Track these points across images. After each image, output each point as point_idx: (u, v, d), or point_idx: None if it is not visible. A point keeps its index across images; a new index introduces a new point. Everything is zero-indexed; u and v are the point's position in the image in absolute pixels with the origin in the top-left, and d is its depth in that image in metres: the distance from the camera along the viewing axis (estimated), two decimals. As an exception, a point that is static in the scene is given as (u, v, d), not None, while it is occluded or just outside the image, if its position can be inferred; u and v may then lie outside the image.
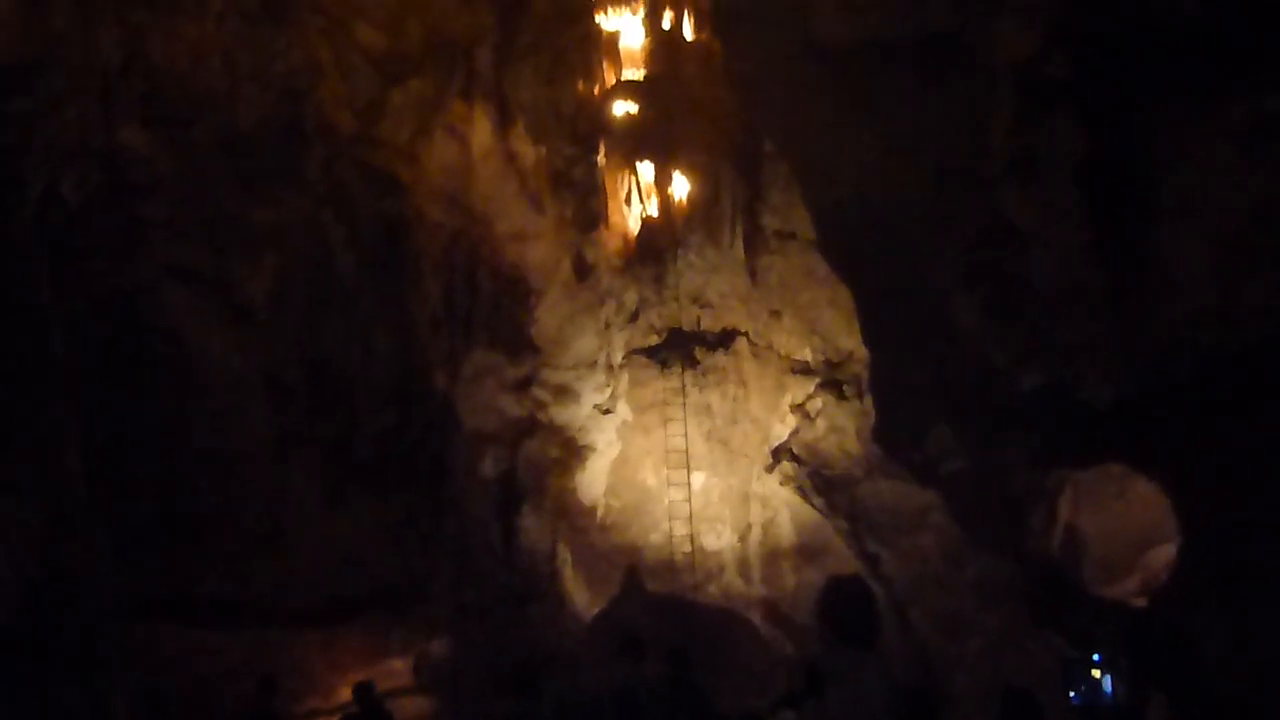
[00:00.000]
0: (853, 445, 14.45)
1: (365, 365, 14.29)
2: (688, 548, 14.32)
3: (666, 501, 14.54)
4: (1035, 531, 11.78)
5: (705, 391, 14.85)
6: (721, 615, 13.43)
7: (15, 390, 11.63)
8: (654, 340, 15.03)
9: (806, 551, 14.63)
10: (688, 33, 16.10)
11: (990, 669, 11.50)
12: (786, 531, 14.77)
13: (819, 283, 14.57)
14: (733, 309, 15.10)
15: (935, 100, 10.31)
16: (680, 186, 15.44)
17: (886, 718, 4.58)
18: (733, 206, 15.23)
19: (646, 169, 15.58)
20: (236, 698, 11.53)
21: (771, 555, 14.70)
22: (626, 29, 16.24)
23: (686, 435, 14.55)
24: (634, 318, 15.12)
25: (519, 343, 14.96)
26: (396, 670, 13.75)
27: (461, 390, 14.70)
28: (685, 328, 14.88)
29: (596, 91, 15.78)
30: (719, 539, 14.72)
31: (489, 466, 14.64)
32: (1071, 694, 4.73)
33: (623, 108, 15.64)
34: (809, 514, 14.57)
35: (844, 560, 14.01)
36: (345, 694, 11.78)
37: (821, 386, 14.70)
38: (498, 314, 15.02)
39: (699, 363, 14.86)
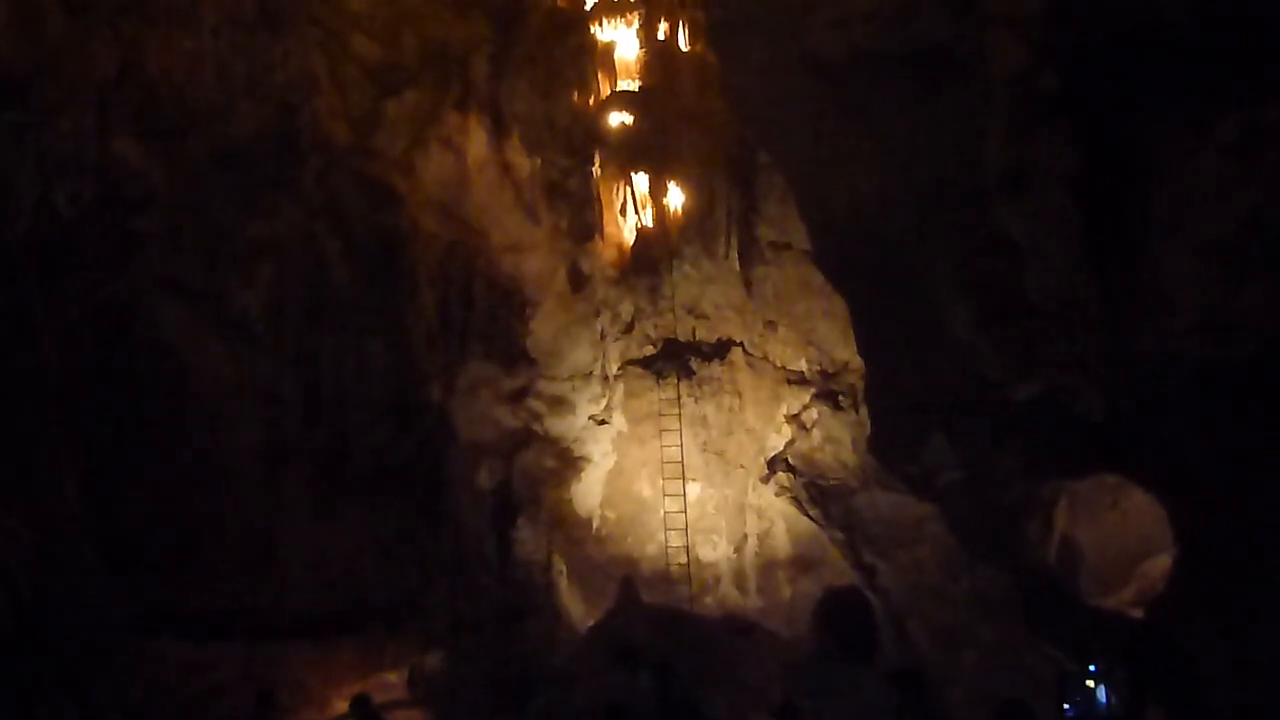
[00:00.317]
0: (848, 456, 14.45)
1: (360, 377, 14.25)
2: (683, 559, 14.29)
3: (662, 513, 14.52)
4: (1031, 542, 11.77)
5: (701, 402, 14.85)
6: (718, 627, 13.40)
7: (7, 403, 11.59)
8: (649, 351, 15.04)
9: (802, 562, 14.62)
10: (683, 44, 16.15)
11: (987, 680, 11.49)
12: (782, 542, 14.75)
13: (814, 294, 14.59)
14: (728, 320, 15.11)
15: (929, 113, 10.34)
16: (675, 197, 15.47)
17: None
18: (728, 217, 15.26)
19: (641, 180, 15.61)
20: (231, 712, 11.49)
21: (767, 566, 14.68)
22: (621, 40, 16.29)
23: (682, 446, 14.54)
24: (629, 329, 15.13)
25: (514, 354, 14.95)
26: (391, 684, 13.68)
27: (457, 402, 14.69)
28: (681, 338, 14.90)
29: (592, 103, 15.81)
30: (715, 550, 14.70)
31: (484, 478, 14.62)
32: (1066, 706, 4.73)
33: (618, 119, 15.67)
34: (805, 525, 14.55)
35: (840, 571, 14.00)
36: (340, 707, 11.75)
37: (817, 397, 14.71)
38: (493, 325, 15.01)
39: (694, 373, 14.86)
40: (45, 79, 12.65)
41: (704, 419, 14.84)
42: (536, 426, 14.94)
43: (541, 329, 15.04)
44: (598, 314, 15.15)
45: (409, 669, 13.69)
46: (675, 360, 14.88)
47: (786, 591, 14.46)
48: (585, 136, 15.50)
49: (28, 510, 11.57)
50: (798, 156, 12.81)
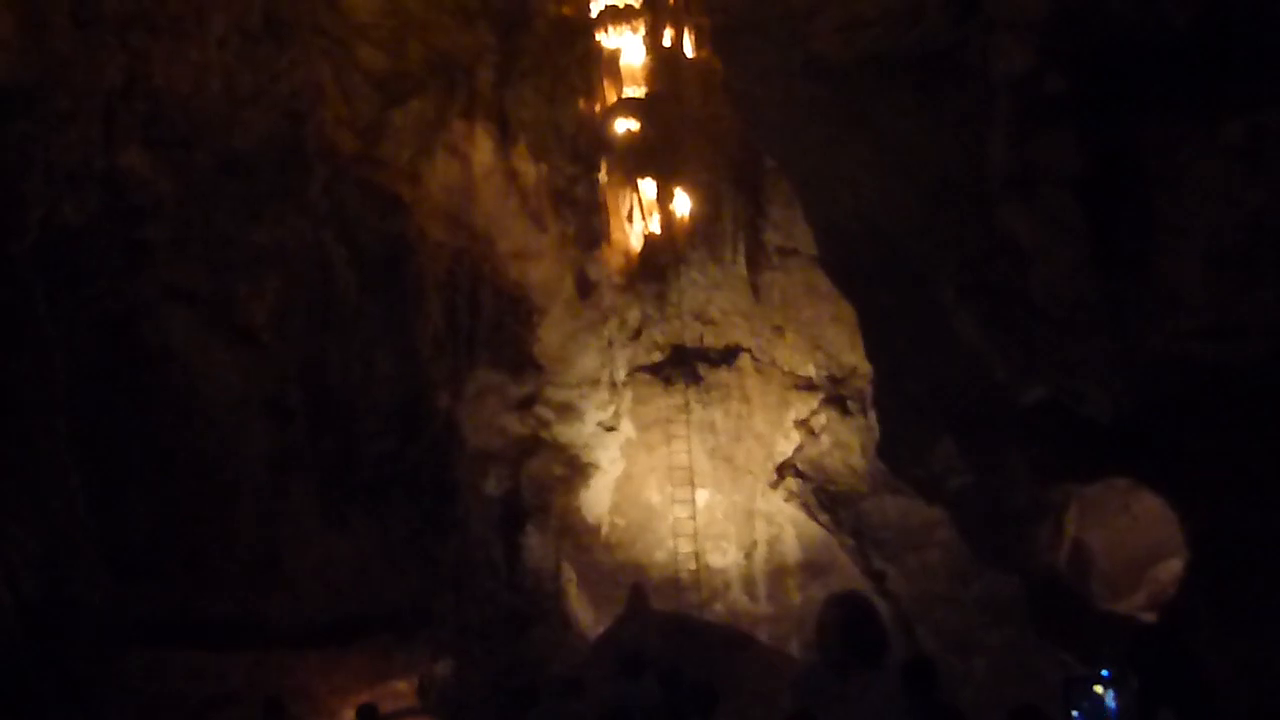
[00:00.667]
0: (857, 461, 14.42)
1: (367, 385, 14.27)
2: (693, 565, 14.29)
3: (671, 519, 14.53)
4: (1041, 546, 11.68)
5: (709, 408, 14.85)
6: (727, 633, 13.37)
7: (15, 412, 11.61)
8: (657, 357, 15.06)
9: (812, 568, 14.60)
10: (688, 50, 16.18)
11: (997, 685, 11.43)
12: (792, 548, 14.74)
13: (821, 298, 14.57)
14: (735, 325, 15.11)
15: (934, 116, 10.27)
16: (682, 203, 15.49)
17: None
18: (734, 223, 15.27)
19: (648, 186, 15.64)
20: (239, 720, 11.51)
21: (777, 572, 14.67)
22: (627, 47, 16.32)
23: (690, 452, 14.54)
24: (637, 335, 15.14)
25: (522, 361, 14.96)
26: (400, 692, 13.70)
27: (464, 409, 14.70)
28: (688, 344, 14.91)
29: (598, 109, 15.84)
30: (724, 556, 14.69)
31: (492, 485, 14.63)
32: (1075, 713, 4.69)
33: (624, 125, 15.70)
34: (814, 530, 14.53)
35: (850, 576, 13.96)
36: (348, 716, 11.73)
37: (825, 402, 14.69)
38: (500, 333, 15.03)
39: (702, 379, 14.87)
40: (53, 90, 12.69)
41: (712, 425, 14.84)
42: (544, 433, 14.95)
43: (549, 336, 15.06)
44: (605, 321, 15.16)
45: (418, 677, 13.70)
46: (683, 366, 14.90)
47: (796, 597, 14.45)
48: (591, 143, 15.53)
49: (36, 518, 11.59)
50: (803, 161, 12.75)
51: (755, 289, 15.20)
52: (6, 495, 11.37)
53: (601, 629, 13.70)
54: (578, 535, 14.86)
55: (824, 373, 14.82)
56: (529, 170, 15.32)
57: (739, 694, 11.36)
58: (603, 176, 15.52)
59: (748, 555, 14.86)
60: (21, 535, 11.20)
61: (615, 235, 15.50)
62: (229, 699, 12.35)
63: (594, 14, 16.34)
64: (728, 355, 15.07)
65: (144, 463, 12.78)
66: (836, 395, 14.72)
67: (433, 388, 14.52)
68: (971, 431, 11.26)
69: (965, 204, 9.94)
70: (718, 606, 14.41)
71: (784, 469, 14.72)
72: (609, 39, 16.31)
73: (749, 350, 15.12)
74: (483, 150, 15.29)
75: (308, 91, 14.36)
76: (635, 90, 16.09)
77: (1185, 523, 9.40)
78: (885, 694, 4.65)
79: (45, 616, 11.26)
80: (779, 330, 15.06)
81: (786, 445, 14.80)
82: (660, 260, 15.30)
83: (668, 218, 15.50)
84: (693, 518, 14.41)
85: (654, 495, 14.98)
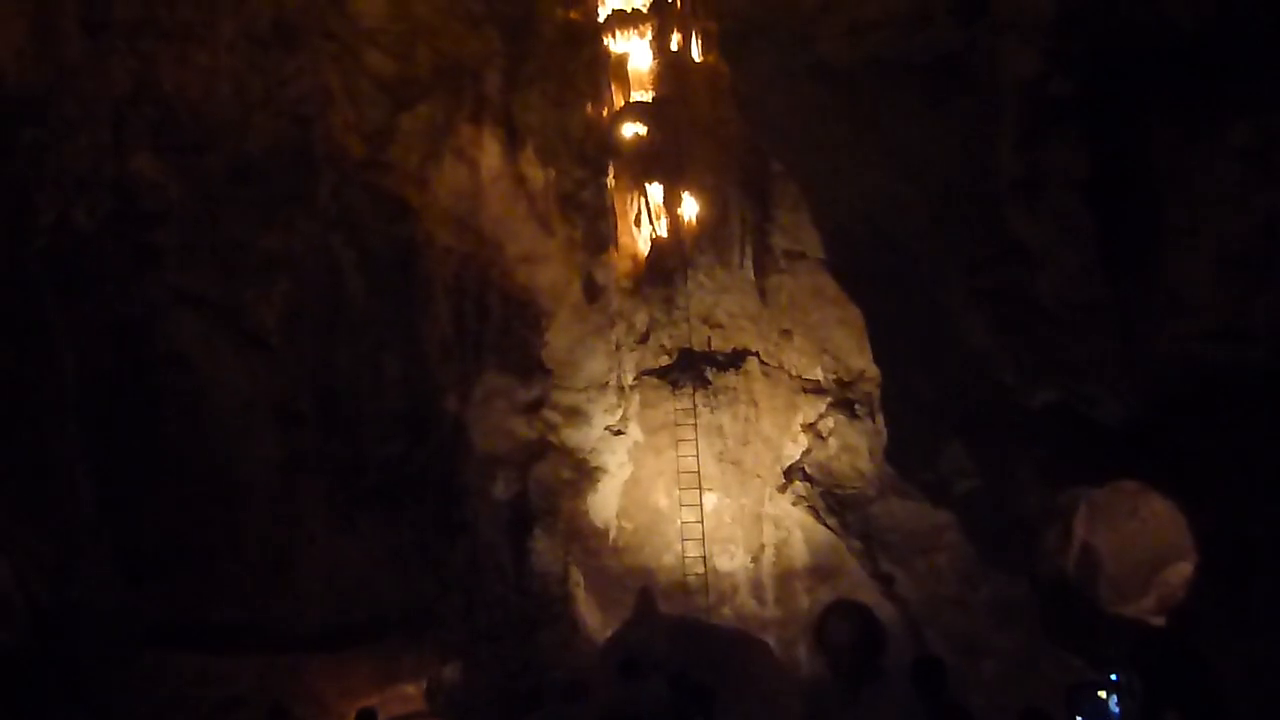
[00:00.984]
0: (865, 464, 14.41)
1: (375, 389, 14.29)
2: (700, 569, 14.29)
3: (679, 523, 14.53)
4: (1050, 550, 11.65)
5: (716, 412, 14.86)
6: (735, 637, 13.37)
7: (26, 417, 11.68)
8: (665, 361, 15.08)
9: (820, 572, 14.58)
10: (695, 54, 16.19)
11: (1005, 688, 11.40)
12: (800, 552, 14.73)
13: (829, 302, 14.56)
14: (743, 329, 15.12)
15: (941, 120, 10.27)
16: (689, 207, 15.51)
17: None
18: (742, 227, 15.28)
19: (656, 190, 15.66)
20: (247, 724, 11.54)
21: (785, 576, 14.66)
22: (634, 51, 16.35)
23: (698, 456, 14.54)
24: (644, 339, 15.16)
25: (530, 365, 14.98)
26: (408, 695, 13.71)
27: (472, 413, 14.72)
28: (696, 348, 14.92)
29: (605, 114, 15.87)
30: (732, 560, 14.69)
31: (500, 489, 14.64)
32: (1077, 718, 4.67)
33: (631, 129, 15.72)
34: (822, 534, 14.52)
35: (858, 580, 13.96)
36: (356, 720, 11.74)
37: (833, 406, 14.68)
38: (508, 337, 15.04)
39: (710, 383, 14.88)
40: (63, 96, 12.77)
41: (720, 429, 14.85)
42: (552, 437, 14.96)
43: (556, 340, 15.07)
44: (613, 325, 15.18)
45: (427, 680, 13.71)
46: (691, 370, 14.91)
47: (804, 601, 14.43)
48: (599, 148, 15.55)
49: (46, 522, 11.65)
50: (811, 165, 12.76)
51: (763, 293, 15.21)
52: (16, 498, 11.43)
53: (609, 632, 13.70)
54: (585, 539, 14.87)
55: (831, 376, 14.82)
56: (536, 175, 15.34)
57: (747, 697, 11.37)
58: (610, 181, 15.54)
59: (755, 559, 14.86)
60: (31, 538, 11.27)
61: (623, 239, 15.52)
62: (238, 702, 12.37)
63: (601, 19, 16.37)
64: (735, 359, 15.07)
65: (153, 466, 12.82)
66: (844, 399, 14.71)
67: (441, 391, 14.54)
68: (979, 435, 11.26)
69: (972, 207, 9.94)
70: (725, 610, 14.40)
71: (792, 472, 14.72)
72: (616, 43, 16.34)
73: (756, 354, 15.13)
74: (490, 155, 15.32)
75: (316, 96, 14.41)
76: (642, 95, 16.11)
77: (1194, 526, 9.38)
78: (895, 699, 4.65)
79: (55, 619, 11.32)
80: (786, 334, 15.06)
81: (794, 449, 14.80)
82: (668, 264, 15.32)
83: (675, 222, 15.52)
84: (700, 521, 14.41)
85: (662, 499, 14.99)
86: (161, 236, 13.40)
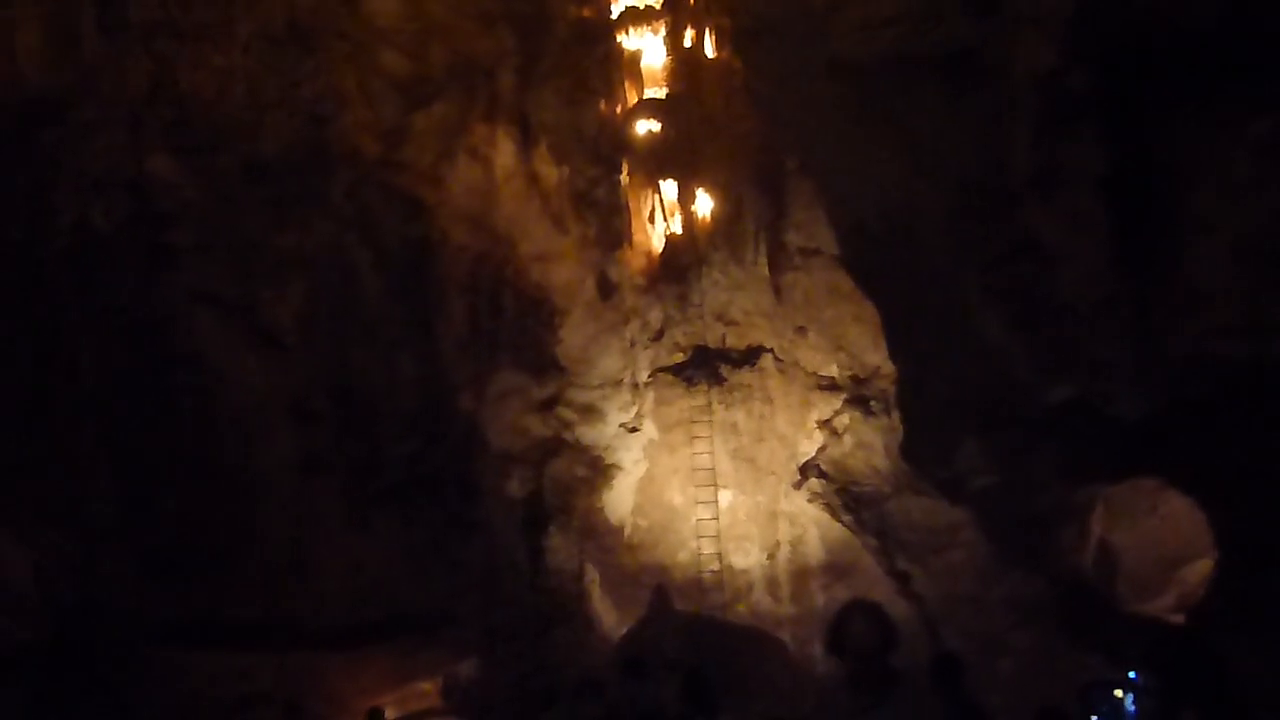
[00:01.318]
0: (881, 461, 14.34)
1: (390, 388, 14.32)
2: (716, 566, 14.26)
3: (694, 520, 14.50)
4: (1067, 548, 11.61)
5: (731, 409, 14.81)
6: (750, 634, 13.34)
7: (45, 416, 11.77)
8: (679, 358, 15.03)
9: (836, 569, 14.52)
10: (709, 51, 16.12)
11: (1023, 687, 11.34)
12: (815, 549, 14.66)
13: (844, 298, 14.49)
14: (758, 326, 15.06)
15: (957, 115, 10.25)
16: (703, 204, 15.46)
17: None
18: (756, 223, 15.21)
19: (669, 187, 15.61)
20: (264, 721, 11.58)
21: (800, 573, 14.60)
22: (648, 48, 16.30)
23: (713, 453, 14.51)
24: (659, 336, 15.12)
25: (544, 363, 14.97)
26: (424, 693, 13.73)
27: (487, 411, 14.73)
28: (710, 345, 14.87)
29: (619, 111, 15.83)
30: (747, 557, 14.64)
31: (515, 487, 14.64)
32: (1093, 718, 4.62)
33: (645, 127, 15.68)
34: (838, 531, 14.46)
35: (874, 578, 13.90)
36: (374, 718, 11.77)
37: (848, 402, 14.60)
38: (523, 335, 15.04)
39: (725, 380, 14.83)
40: (81, 98, 12.88)
41: (734, 426, 14.80)
42: (567, 435, 14.95)
43: (571, 337, 15.06)
44: (627, 322, 15.15)
45: (442, 678, 13.74)
46: (705, 367, 14.86)
47: (820, 599, 14.37)
48: (613, 145, 15.52)
49: (66, 521, 11.74)
50: (825, 161, 12.73)
51: (777, 289, 15.14)
52: (37, 497, 11.52)
53: (624, 630, 13.69)
54: (600, 536, 14.86)
55: (847, 373, 14.74)
56: (550, 172, 15.34)
57: (762, 694, 11.35)
58: (624, 178, 15.51)
59: (770, 556, 14.80)
60: (52, 537, 11.35)
61: (637, 237, 15.49)
62: (256, 699, 12.42)
63: (614, 15, 16.33)
64: (750, 356, 15.02)
65: (171, 465, 12.90)
66: (859, 395, 14.64)
67: (455, 390, 14.56)
68: (996, 432, 11.23)
69: (989, 203, 9.91)
70: (740, 607, 14.37)
71: (807, 470, 14.66)
72: (629, 40, 16.29)
73: (771, 351, 15.06)
74: (504, 153, 15.32)
75: (331, 96, 14.46)
76: (656, 91, 16.07)
77: (1214, 523, 9.33)
78: (909, 697, 4.62)
79: (75, 617, 11.40)
80: (801, 331, 14.99)
81: (809, 446, 14.74)
82: (682, 261, 15.27)
83: (689, 219, 15.48)
84: (715, 519, 14.38)
85: (676, 496, 14.97)
86: (178, 236, 13.48)
